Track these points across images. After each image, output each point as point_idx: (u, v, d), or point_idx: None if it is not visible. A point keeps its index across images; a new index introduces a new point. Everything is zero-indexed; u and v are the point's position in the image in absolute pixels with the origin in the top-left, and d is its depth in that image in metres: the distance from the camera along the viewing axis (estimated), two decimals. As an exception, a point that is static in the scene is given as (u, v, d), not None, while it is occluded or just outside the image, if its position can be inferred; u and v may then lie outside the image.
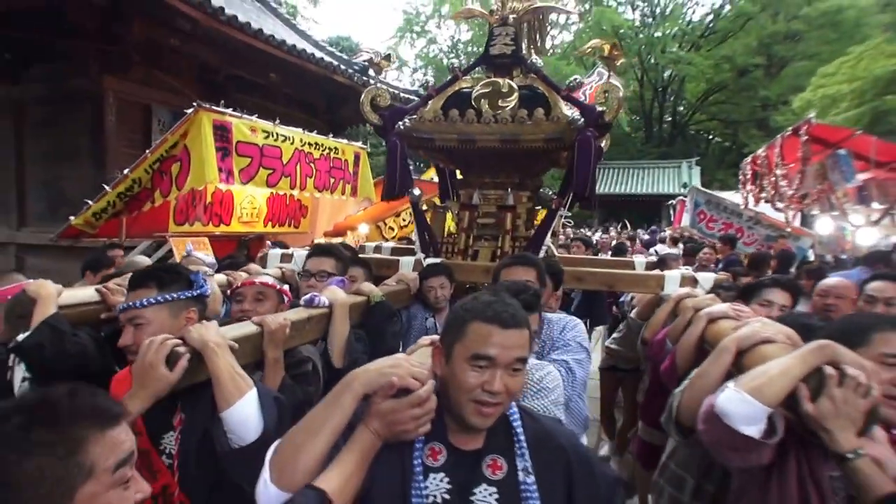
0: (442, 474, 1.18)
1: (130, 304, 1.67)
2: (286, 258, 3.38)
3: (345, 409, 1.15)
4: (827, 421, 1.27)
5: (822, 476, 1.38)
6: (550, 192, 3.29)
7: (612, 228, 21.18)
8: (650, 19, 31.42)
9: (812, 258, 6.97)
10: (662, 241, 11.83)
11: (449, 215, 3.81)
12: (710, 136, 34.99)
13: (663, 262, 4.07)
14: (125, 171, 4.52)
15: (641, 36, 28.63)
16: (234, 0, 9.03)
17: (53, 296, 1.96)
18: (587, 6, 29.29)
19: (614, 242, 10.69)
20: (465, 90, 3.34)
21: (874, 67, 15.93)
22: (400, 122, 3.23)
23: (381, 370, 1.18)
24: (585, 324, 3.09)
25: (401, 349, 2.79)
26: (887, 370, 1.40)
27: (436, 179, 4.48)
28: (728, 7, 29.40)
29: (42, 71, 7.44)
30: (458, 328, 1.20)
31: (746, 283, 2.68)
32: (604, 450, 4.43)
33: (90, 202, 4.67)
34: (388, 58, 3.35)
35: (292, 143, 4.51)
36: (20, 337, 1.87)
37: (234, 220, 4.95)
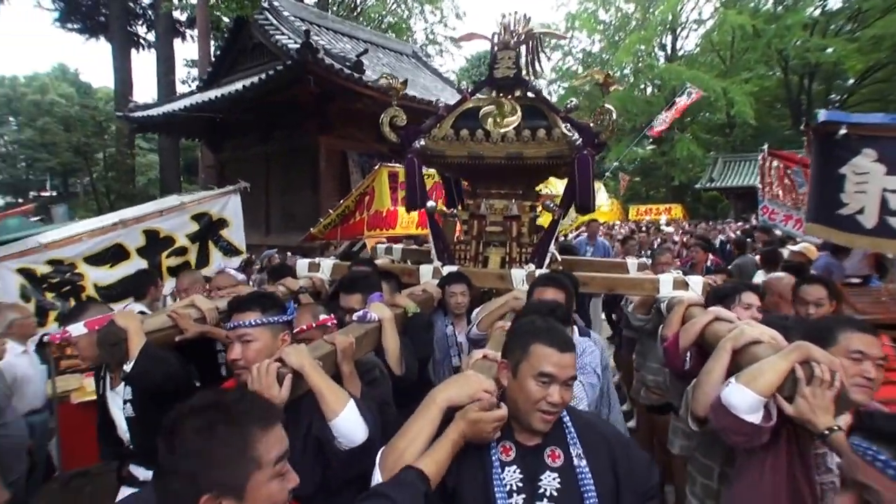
0: (514, 467, 1.47)
1: (240, 323, 1.93)
2: (314, 267, 3.67)
3: (434, 421, 1.45)
4: (805, 415, 1.59)
5: (808, 453, 1.70)
6: (552, 205, 3.67)
7: (752, 218, 20.52)
8: (780, 7, 28.17)
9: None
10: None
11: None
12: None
13: (655, 261, 4.48)
14: (340, 201, 7.50)
15: (773, 26, 25.88)
16: (397, 64, 14.66)
17: (140, 326, 2.24)
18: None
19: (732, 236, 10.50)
20: (473, 110, 3.67)
21: None
22: (416, 141, 3.54)
23: (459, 387, 1.50)
24: None
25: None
26: (854, 364, 1.73)
27: None
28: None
29: (281, 133, 12.23)
30: (523, 348, 1.51)
31: (719, 287, 2.93)
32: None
33: (321, 219, 7.56)
34: (404, 83, 3.64)
35: (433, 178, 5.87)
36: (127, 367, 2.18)
37: (398, 226, 7.18)
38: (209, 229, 4.49)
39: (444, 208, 4.15)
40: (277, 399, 1.64)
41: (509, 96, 3.70)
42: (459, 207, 4.15)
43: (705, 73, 26.90)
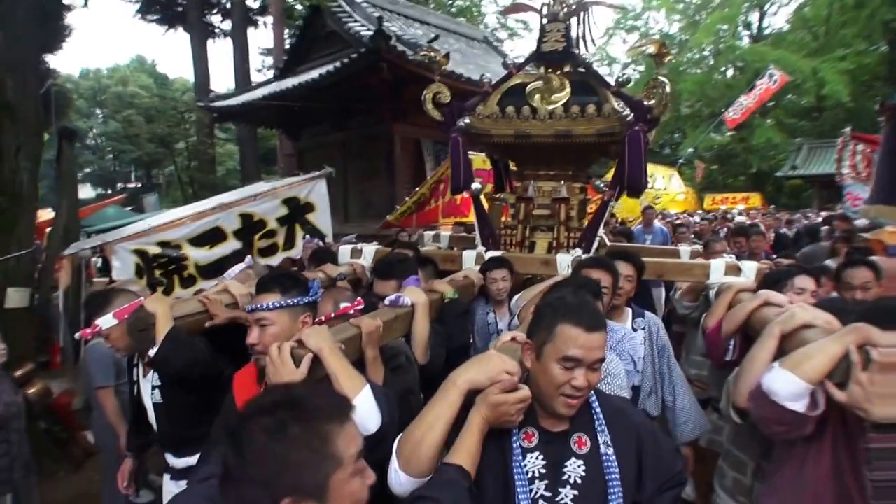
0: (537, 453, 1.41)
1: (258, 305, 1.87)
2: (356, 253, 3.67)
3: (453, 405, 1.38)
4: (860, 403, 1.44)
5: (857, 446, 1.56)
6: (602, 185, 3.50)
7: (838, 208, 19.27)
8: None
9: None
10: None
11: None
12: None
13: (710, 247, 4.21)
14: (416, 188, 7.75)
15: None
16: (468, 50, 14.32)
17: (169, 311, 2.21)
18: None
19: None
20: (519, 86, 3.54)
21: None
22: (460, 119, 3.45)
23: (480, 368, 1.42)
24: None
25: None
26: None
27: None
28: None
29: (357, 121, 12.13)
30: (548, 329, 1.40)
31: (772, 272, 2.72)
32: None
33: (398, 206, 7.77)
34: (446, 56, 3.56)
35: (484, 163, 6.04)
36: (151, 352, 2.17)
37: (471, 213, 7.04)
38: (297, 213, 4.65)
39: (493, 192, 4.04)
40: (294, 378, 1.60)
41: (558, 71, 3.55)
42: (508, 191, 4.03)
43: (794, 52, 24.97)
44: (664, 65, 3.29)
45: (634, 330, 2.70)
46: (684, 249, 4.13)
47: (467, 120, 3.45)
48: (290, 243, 4.62)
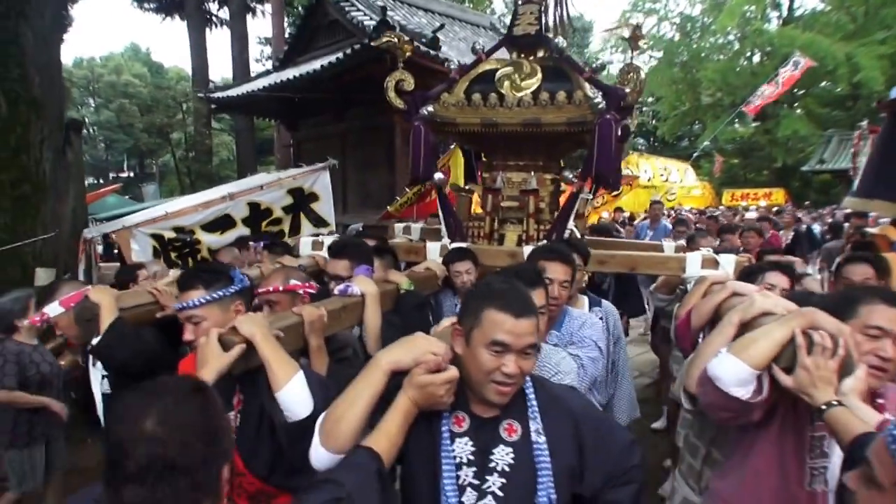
0: (466, 438, 1.41)
1: (184, 304, 1.92)
2: (317, 245, 3.64)
3: (374, 384, 1.39)
4: (805, 388, 1.45)
5: (803, 433, 1.59)
6: (571, 175, 3.41)
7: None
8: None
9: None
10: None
11: (474, 199, 3.97)
12: None
13: (693, 242, 4.15)
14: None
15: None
16: (474, 38, 12.87)
17: (114, 302, 2.26)
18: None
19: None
20: (490, 72, 3.46)
21: None
22: (423, 107, 3.39)
23: (405, 349, 1.43)
24: (620, 315, 3.29)
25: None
26: (869, 341, 1.56)
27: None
28: None
29: (356, 112, 12.07)
30: (475, 314, 1.40)
31: (746, 267, 2.75)
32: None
33: (398, 197, 7.80)
34: (410, 41, 3.52)
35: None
36: (94, 341, 2.22)
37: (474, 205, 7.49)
38: (301, 202, 5.16)
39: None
40: (220, 359, 1.66)
41: (531, 56, 3.47)
42: (479, 183, 3.96)
43: (827, 35, 24.17)
44: (640, 49, 3.19)
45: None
46: (668, 245, 4.05)
47: (430, 108, 3.39)
48: (295, 230, 5.17)
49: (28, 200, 4.46)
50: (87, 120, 34.60)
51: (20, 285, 3.73)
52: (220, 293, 1.96)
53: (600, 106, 3.12)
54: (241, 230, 4.78)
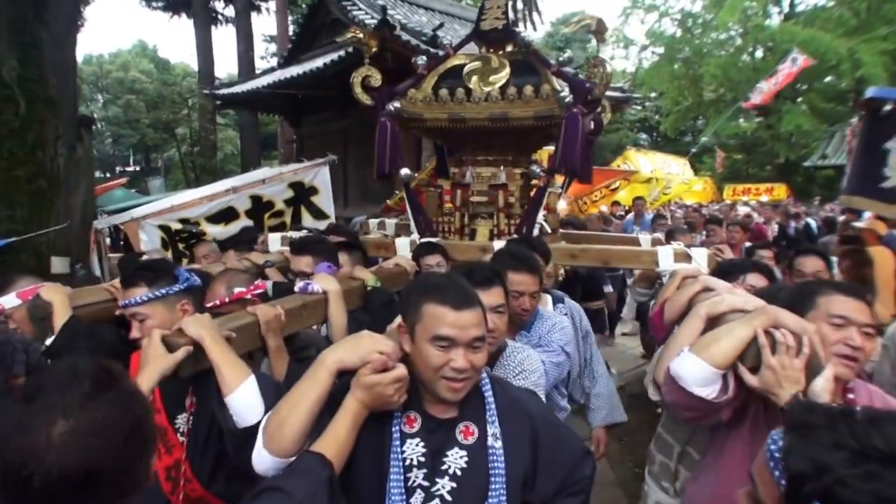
0: (417, 440, 1.37)
1: (127, 301, 1.91)
2: (286, 241, 3.61)
3: (321, 383, 1.33)
4: (772, 387, 1.43)
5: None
6: (538, 170, 3.39)
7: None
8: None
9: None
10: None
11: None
12: None
13: (672, 236, 4.10)
14: (416, 175, 7.35)
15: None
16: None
17: (66, 300, 2.19)
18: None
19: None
20: (458, 67, 3.43)
21: None
22: (390, 103, 3.36)
23: (350, 348, 1.37)
24: (575, 297, 3.26)
25: None
26: (836, 331, 1.55)
27: None
28: None
29: (357, 109, 10.95)
30: (415, 310, 1.37)
31: (725, 263, 2.71)
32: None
33: (397, 192, 7.80)
34: (374, 36, 3.49)
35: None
36: (48, 341, 2.14)
37: None
38: (302, 195, 5.36)
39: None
40: (163, 360, 1.60)
41: (500, 51, 3.44)
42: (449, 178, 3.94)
43: (829, 31, 23.88)
44: (605, 42, 3.16)
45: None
46: (645, 238, 4.01)
47: (397, 104, 3.36)
48: (296, 221, 5.31)
49: (43, 195, 4.60)
50: (95, 115, 35.55)
51: (35, 273, 3.85)
52: (163, 291, 1.94)
53: (567, 100, 3.08)
54: (245, 221, 4.97)
